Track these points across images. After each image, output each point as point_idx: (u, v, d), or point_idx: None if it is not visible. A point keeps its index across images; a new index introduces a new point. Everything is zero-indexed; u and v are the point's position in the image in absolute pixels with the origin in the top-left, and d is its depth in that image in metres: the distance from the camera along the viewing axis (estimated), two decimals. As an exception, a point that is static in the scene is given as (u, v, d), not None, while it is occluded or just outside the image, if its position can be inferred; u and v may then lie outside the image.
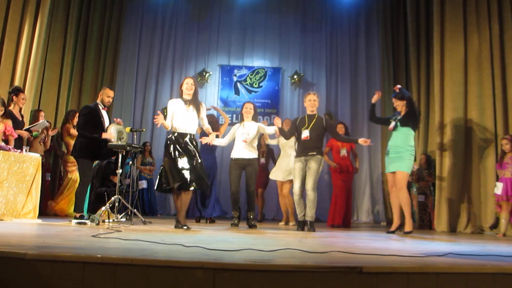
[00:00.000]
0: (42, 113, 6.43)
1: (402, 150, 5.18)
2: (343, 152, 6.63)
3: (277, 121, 5.50)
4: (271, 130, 5.80)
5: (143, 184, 8.07)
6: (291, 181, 6.35)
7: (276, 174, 6.76)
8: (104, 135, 5.12)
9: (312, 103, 5.40)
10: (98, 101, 5.36)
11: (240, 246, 2.74)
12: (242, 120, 5.86)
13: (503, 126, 6.05)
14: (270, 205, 8.48)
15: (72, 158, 6.12)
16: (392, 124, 5.33)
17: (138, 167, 8.37)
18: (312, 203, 5.16)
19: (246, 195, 5.75)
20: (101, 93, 5.39)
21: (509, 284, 2.09)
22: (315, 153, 5.22)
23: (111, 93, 5.42)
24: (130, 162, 6.76)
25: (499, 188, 5.59)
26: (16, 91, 5.82)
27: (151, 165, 8.31)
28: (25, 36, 6.30)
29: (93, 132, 5.13)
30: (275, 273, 1.96)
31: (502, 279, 2.09)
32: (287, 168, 6.58)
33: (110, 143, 5.12)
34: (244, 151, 5.66)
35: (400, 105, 5.34)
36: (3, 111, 5.29)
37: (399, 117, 5.33)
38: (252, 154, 5.69)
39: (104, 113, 5.35)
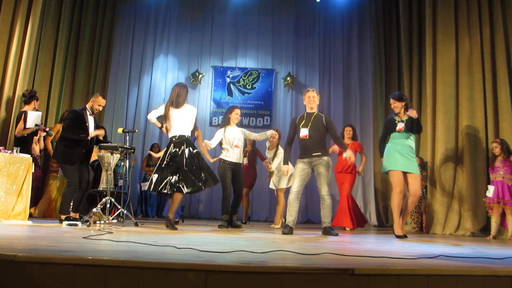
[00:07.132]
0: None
1: (413, 154, 5.07)
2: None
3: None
4: (254, 134, 6.06)
5: (146, 186, 7.98)
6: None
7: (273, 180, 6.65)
8: (92, 134, 5.18)
9: (311, 100, 5.12)
10: (87, 106, 5.33)
11: (232, 248, 2.73)
12: (228, 124, 5.90)
13: (493, 129, 6.10)
14: (263, 206, 8.48)
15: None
16: (402, 125, 5.05)
17: (143, 169, 8.33)
18: (328, 209, 4.91)
19: (235, 197, 5.88)
20: (93, 99, 5.35)
21: (499, 287, 2.10)
22: (320, 153, 4.92)
23: (102, 102, 5.39)
24: (122, 163, 6.72)
25: (490, 191, 5.63)
26: (37, 97, 6.04)
27: None
28: (16, 37, 6.24)
29: (78, 133, 5.11)
30: (267, 275, 1.96)
31: (492, 281, 2.10)
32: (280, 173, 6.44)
33: (102, 144, 5.11)
34: (237, 155, 5.84)
35: (399, 107, 5.09)
36: None
37: (403, 119, 5.08)
38: (241, 159, 5.94)
39: (90, 118, 5.31)
